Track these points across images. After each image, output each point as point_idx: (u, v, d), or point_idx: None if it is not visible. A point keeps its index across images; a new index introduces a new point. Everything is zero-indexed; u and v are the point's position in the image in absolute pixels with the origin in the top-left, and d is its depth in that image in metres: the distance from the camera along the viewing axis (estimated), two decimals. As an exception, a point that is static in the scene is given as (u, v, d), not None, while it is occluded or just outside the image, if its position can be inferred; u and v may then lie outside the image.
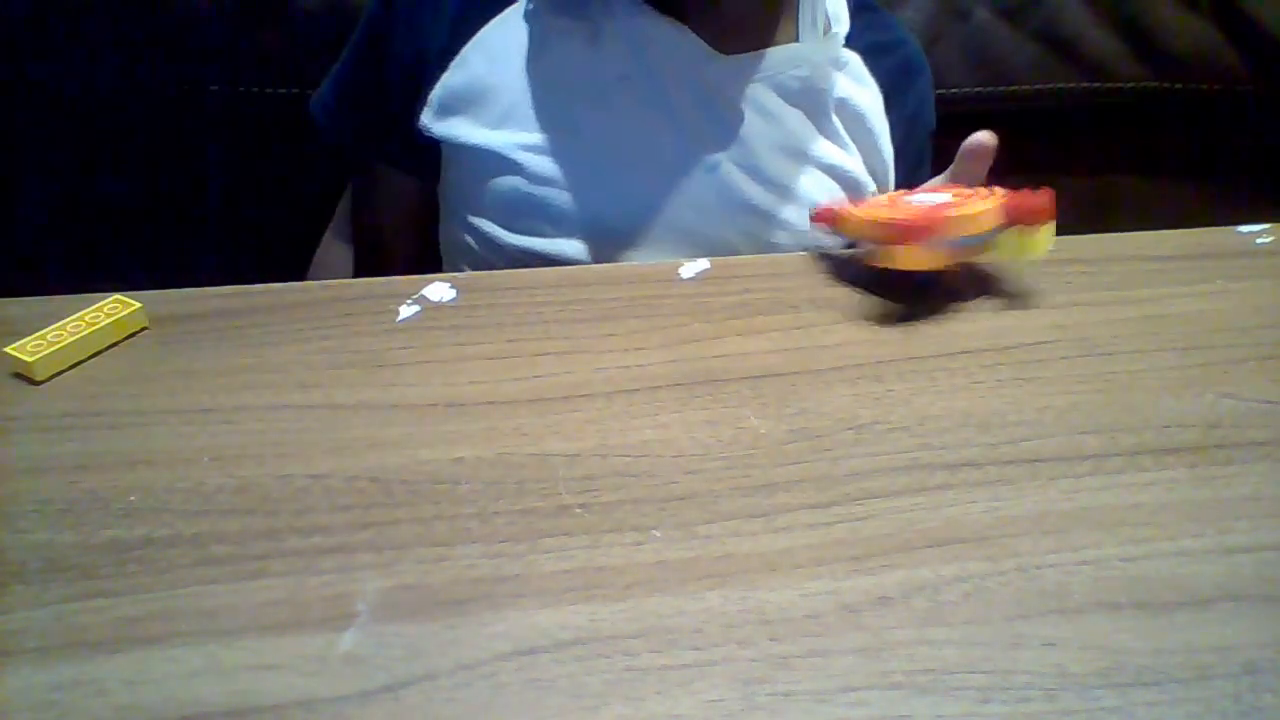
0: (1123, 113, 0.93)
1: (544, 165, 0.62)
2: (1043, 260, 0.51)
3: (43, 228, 0.88)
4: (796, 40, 0.65)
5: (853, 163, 0.67)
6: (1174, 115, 0.94)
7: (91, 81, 0.82)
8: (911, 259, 0.49)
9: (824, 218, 0.55)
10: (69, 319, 0.47)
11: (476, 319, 0.49)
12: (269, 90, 0.83)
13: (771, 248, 0.64)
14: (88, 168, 0.86)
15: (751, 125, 0.64)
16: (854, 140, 0.68)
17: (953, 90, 0.88)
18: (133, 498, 0.38)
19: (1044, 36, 0.90)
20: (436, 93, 0.63)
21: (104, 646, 0.33)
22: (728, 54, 0.63)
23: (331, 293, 0.52)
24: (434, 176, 0.67)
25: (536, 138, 0.62)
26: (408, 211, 0.70)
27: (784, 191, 0.64)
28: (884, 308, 0.51)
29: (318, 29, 0.81)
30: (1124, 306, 0.51)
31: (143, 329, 0.48)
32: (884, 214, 0.51)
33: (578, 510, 0.38)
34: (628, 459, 0.41)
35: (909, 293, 0.51)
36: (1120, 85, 0.91)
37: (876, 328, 0.49)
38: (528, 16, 0.63)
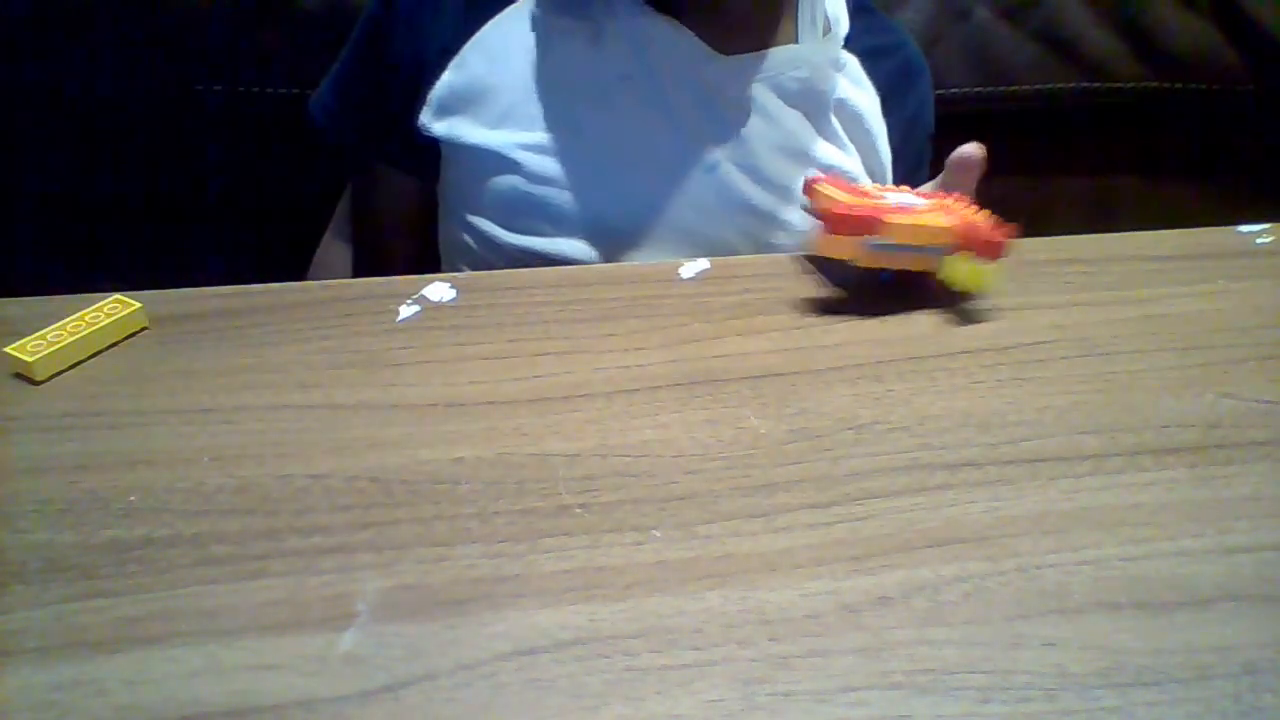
0: (1123, 113, 0.93)
1: (543, 165, 0.62)
2: (991, 284, 0.51)
3: (43, 228, 0.88)
4: (796, 41, 0.65)
5: (851, 163, 0.67)
6: (1174, 115, 0.94)
7: (91, 81, 0.82)
8: (833, 248, 0.50)
9: (809, 185, 0.55)
10: (69, 319, 0.47)
11: (476, 319, 0.49)
12: (269, 90, 0.83)
13: (771, 248, 0.64)
14: (88, 168, 0.86)
15: (751, 126, 0.64)
16: (852, 141, 0.68)
17: (953, 90, 0.88)
18: (133, 498, 0.38)
19: (1044, 36, 0.90)
20: (436, 92, 0.63)
21: (104, 646, 0.33)
22: (728, 54, 0.63)
23: (331, 293, 0.52)
24: (434, 176, 0.67)
25: (536, 137, 0.62)
26: (407, 211, 0.70)
27: (783, 192, 0.64)
28: (884, 308, 0.51)
29: (318, 29, 0.81)
30: (1124, 306, 0.51)
31: (143, 329, 0.48)
32: (840, 196, 0.51)
33: (578, 510, 0.38)
34: (628, 459, 0.41)
35: (909, 293, 0.51)
36: (1120, 85, 0.91)
37: (876, 328, 0.49)
38: (529, 16, 0.63)
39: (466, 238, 0.65)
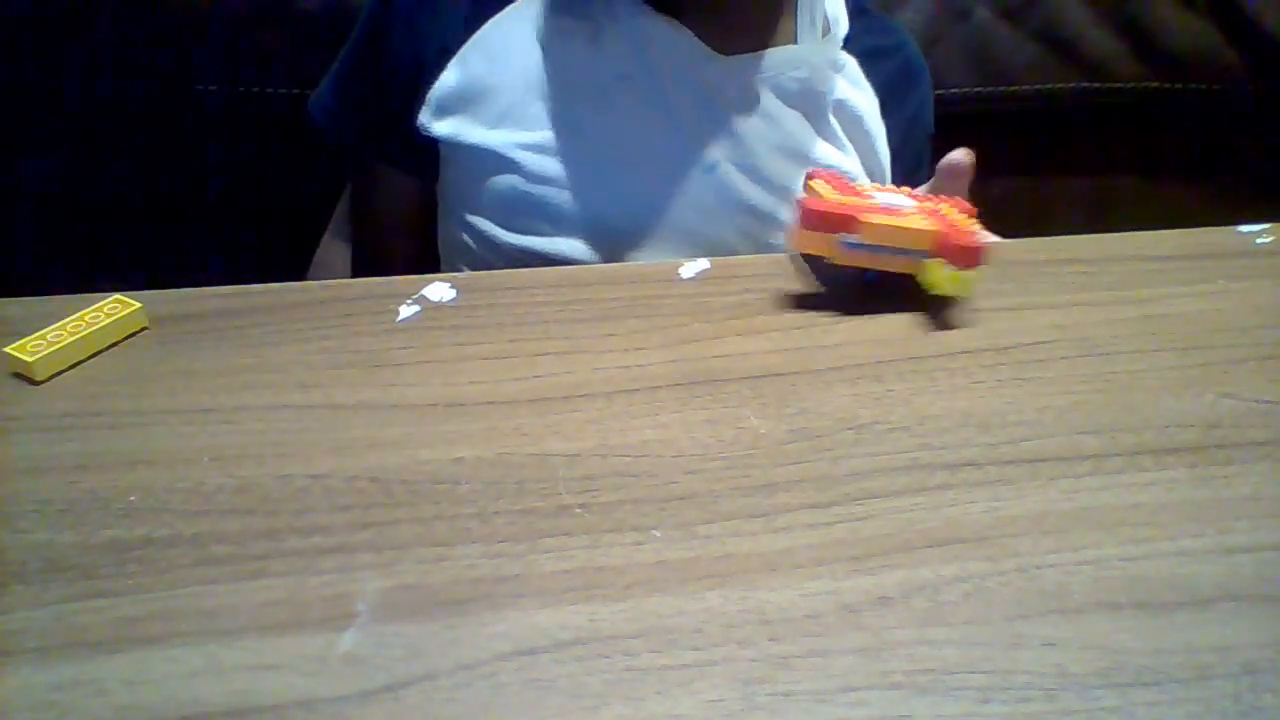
0: (1123, 113, 0.93)
1: (543, 164, 0.62)
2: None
3: (43, 228, 0.88)
4: (795, 42, 0.65)
5: (850, 164, 0.67)
6: (1174, 115, 0.94)
7: (91, 81, 0.82)
8: (807, 244, 0.50)
9: (806, 181, 0.55)
10: (69, 319, 0.47)
11: (476, 319, 0.49)
12: (269, 90, 0.83)
13: (771, 248, 0.64)
14: (88, 168, 0.86)
15: (750, 126, 0.64)
16: (851, 141, 0.68)
17: (953, 90, 0.88)
18: (133, 498, 0.38)
19: (1044, 36, 0.90)
20: (435, 92, 0.63)
21: (104, 646, 0.33)
22: (727, 54, 0.63)
23: (331, 293, 0.52)
24: (433, 176, 0.67)
25: (535, 137, 0.62)
26: (407, 211, 0.70)
27: (783, 192, 0.64)
28: (884, 308, 0.51)
29: (318, 29, 0.81)
30: (1124, 306, 0.51)
31: (143, 329, 0.48)
32: (826, 193, 0.51)
33: (578, 510, 0.38)
34: (628, 459, 0.41)
35: (909, 293, 0.51)
36: (1120, 85, 0.91)
37: (876, 328, 0.49)
38: (528, 16, 0.63)
39: (466, 238, 0.65)
